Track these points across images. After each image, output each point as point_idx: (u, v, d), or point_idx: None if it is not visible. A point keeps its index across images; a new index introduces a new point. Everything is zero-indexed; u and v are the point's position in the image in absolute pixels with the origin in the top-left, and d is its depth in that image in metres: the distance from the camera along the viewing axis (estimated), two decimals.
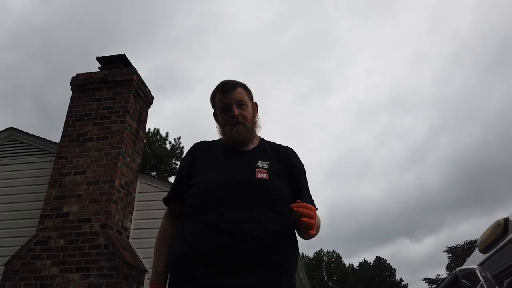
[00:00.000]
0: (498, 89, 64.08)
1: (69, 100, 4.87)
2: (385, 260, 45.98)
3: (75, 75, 4.99)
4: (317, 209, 1.45)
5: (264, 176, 1.34)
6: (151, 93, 5.31)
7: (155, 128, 18.44)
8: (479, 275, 0.88)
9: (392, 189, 66.60)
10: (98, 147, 4.52)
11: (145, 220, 4.62)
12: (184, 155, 1.56)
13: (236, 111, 1.43)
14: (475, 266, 0.92)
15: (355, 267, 46.76)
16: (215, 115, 1.55)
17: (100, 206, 4.21)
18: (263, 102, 1.61)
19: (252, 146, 1.46)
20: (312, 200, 1.45)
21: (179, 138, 19.02)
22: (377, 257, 46.11)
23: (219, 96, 1.49)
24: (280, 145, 1.54)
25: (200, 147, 1.50)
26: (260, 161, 1.40)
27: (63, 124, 4.73)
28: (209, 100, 1.57)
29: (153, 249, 1.46)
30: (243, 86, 1.51)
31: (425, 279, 34.67)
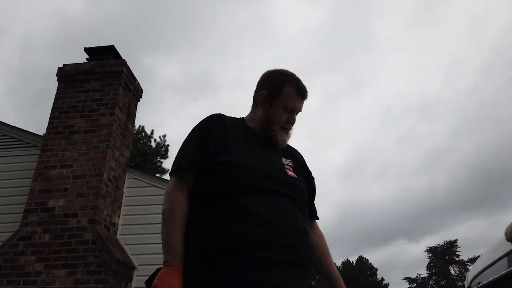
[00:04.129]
0: None
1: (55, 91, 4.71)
2: (367, 260, 46.53)
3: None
4: (317, 218, 1.45)
5: (293, 174, 1.30)
6: (141, 86, 5.18)
7: (140, 126, 18.14)
8: None
9: (403, 192, 67.13)
10: (85, 140, 4.37)
11: (134, 216, 4.50)
12: (205, 123, 1.33)
13: (295, 120, 1.36)
14: None
15: (338, 266, 47.18)
16: (264, 95, 1.36)
17: (88, 200, 4.08)
18: None
19: None
20: (316, 210, 1.46)
21: (164, 136, 18.78)
22: (359, 256, 46.63)
23: (293, 93, 1.34)
24: (293, 147, 1.49)
25: (228, 122, 1.33)
26: (283, 157, 1.34)
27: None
28: (262, 79, 1.41)
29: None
30: None
31: (405, 278, 35.23)
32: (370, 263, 46.32)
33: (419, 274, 34.52)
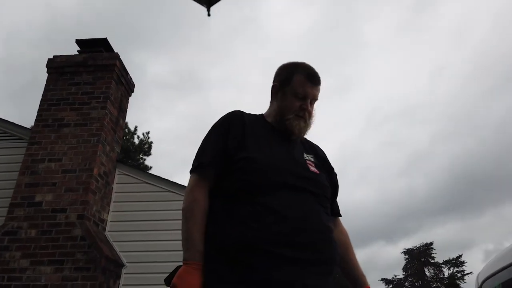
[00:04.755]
0: (503, 106, 66.53)
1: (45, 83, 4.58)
2: None
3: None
4: (340, 215, 1.44)
5: (315, 170, 1.28)
6: (133, 80, 5.09)
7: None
8: None
9: (384, 194, 67.72)
10: (75, 134, 4.27)
11: (123, 213, 4.42)
12: (224, 120, 1.33)
13: (309, 107, 1.33)
14: None
15: None
16: (276, 87, 1.38)
17: (77, 196, 3.97)
18: None
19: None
20: (339, 207, 1.44)
21: (147, 133, 18.50)
22: None
23: (303, 81, 1.33)
24: (314, 143, 1.48)
25: (247, 119, 1.33)
26: (304, 153, 1.33)
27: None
28: (275, 70, 1.41)
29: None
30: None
31: (382, 279, 35.80)
32: None
33: (395, 276, 35.15)
